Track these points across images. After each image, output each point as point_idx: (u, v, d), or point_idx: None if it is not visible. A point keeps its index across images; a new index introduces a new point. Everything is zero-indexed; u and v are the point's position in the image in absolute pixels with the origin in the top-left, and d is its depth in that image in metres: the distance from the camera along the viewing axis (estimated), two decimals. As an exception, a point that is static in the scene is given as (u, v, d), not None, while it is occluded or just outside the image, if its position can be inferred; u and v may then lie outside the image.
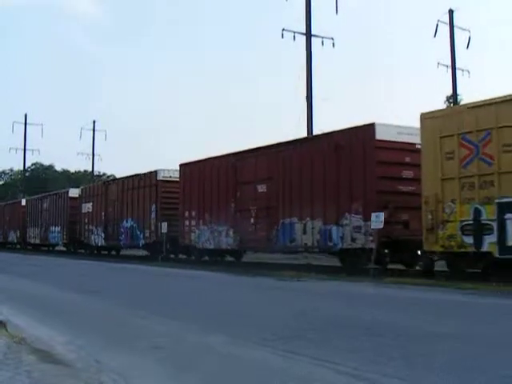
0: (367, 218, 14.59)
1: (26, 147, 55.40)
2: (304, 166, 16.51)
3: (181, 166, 22.01)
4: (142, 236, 23.72)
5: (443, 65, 30.83)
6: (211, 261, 20.47)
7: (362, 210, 14.80)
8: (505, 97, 12.24)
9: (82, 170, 77.36)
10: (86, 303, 9.76)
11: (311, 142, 16.57)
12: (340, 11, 27.67)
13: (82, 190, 29.26)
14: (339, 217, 15.37)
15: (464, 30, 31.07)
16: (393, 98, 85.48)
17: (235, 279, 14.99)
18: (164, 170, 23.01)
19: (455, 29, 30.50)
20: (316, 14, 27.16)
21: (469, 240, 12.54)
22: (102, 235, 26.66)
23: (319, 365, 4.84)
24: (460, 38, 31.08)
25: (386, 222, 14.50)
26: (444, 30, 30.70)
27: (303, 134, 24.54)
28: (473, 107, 12.67)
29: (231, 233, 19.07)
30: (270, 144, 18.22)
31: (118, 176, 41.81)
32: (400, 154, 14.56)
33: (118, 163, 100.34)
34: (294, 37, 26.62)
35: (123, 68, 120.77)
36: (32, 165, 78.02)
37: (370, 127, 14.76)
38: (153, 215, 22.91)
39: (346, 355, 5.20)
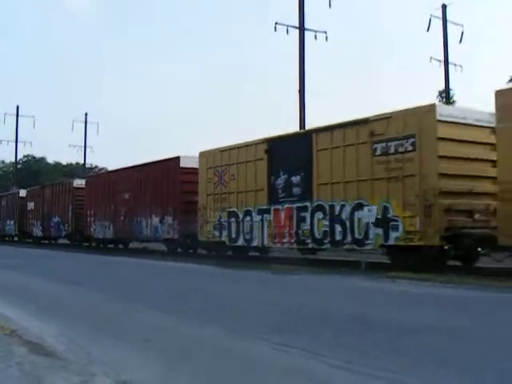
0: (175, 218, 22.15)
1: (18, 139, 55.51)
2: (148, 181, 24.05)
3: (87, 177, 29.70)
4: (63, 229, 31.39)
5: (436, 59, 30.96)
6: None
7: (172, 213, 22.32)
8: (235, 145, 19.65)
9: (74, 162, 77.52)
10: (75, 295, 9.99)
11: (152, 165, 24.06)
12: (333, 5, 27.99)
13: (27, 191, 37.00)
14: (162, 217, 22.90)
15: (457, 24, 31.26)
16: (386, 91, 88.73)
17: (218, 271, 15.49)
18: (77, 180, 30.62)
19: (448, 24, 30.73)
20: (309, 8, 27.27)
21: (217, 234, 20.03)
22: (40, 228, 34.36)
23: (312, 358, 4.91)
24: (453, 33, 31.15)
25: (189, 222, 21.95)
26: (437, 24, 30.86)
27: (296, 127, 25.34)
28: (220, 151, 20.11)
29: (111, 227, 26.68)
30: (134, 165, 25.75)
31: (109, 168, 43.71)
32: (196, 176, 21.93)
33: (112, 156, 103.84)
34: (287, 30, 26.81)
35: (120, 63, 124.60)
36: (24, 157, 79.29)
37: (177, 159, 22.27)
38: (70, 213, 30.53)
39: (338, 349, 5.26)
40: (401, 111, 14.38)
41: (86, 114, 52.87)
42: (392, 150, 14.28)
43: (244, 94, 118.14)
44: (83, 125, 52.62)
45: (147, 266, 18.41)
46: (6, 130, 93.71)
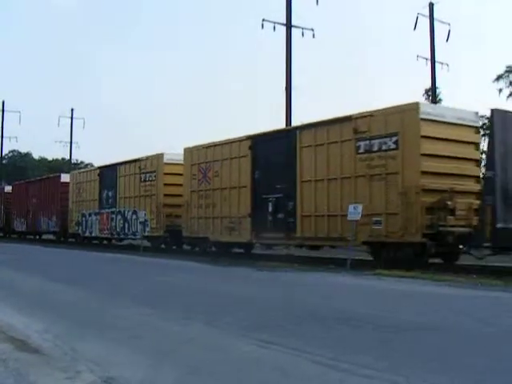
0: (57, 217, 31.85)
1: (4, 134, 55.08)
2: (45, 191, 33.70)
3: (12, 185, 39.51)
4: (-2, 224, 41.27)
5: (423, 58, 30.78)
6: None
7: (55, 214, 32.00)
8: (84, 170, 29.24)
9: (59, 157, 78.49)
10: (62, 290, 10.19)
11: (47, 180, 33.80)
12: (320, 3, 27.97)
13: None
14: (51, 216, 32.61)
15: (444, 23, 31.21)
16: (373, 89, 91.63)
17: (202, 267, 15.83)
18: (7, 186, 40.31)
19: (435, 22, 30.63)
20: (296, 5, 27.33)
21: (77, 228, 29.70)
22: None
23: (298, 355, 4.96)
24: (440, 32, 31.04)
25: (65, 219, 31.60)
26: (424, 23, 30.65)
27: (282, 124, 25.43)
28: (79, 173, 29.70)
29: (25, 222, 36.42)
30: (39, 178, 35.44)
31: (95, 164, 45.69)
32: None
33: (98, 152, 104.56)
34: (274, 27, 26.85)
35: (107, 58, 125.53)
36: (9, 152, 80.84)
37: (59, 176, 31.98)
38: (2, 212, 40.25)
39: (324, 346, 5.30)
40: (151, 156, 23.95)
41: (72, 110, 53.30)
42: (148, 178, 23.91)
43: (232, 89, 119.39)
44: (69, 120, 52.72)
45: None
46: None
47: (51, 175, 33.55)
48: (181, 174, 22.63)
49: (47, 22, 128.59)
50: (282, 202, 17.56)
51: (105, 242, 29.36)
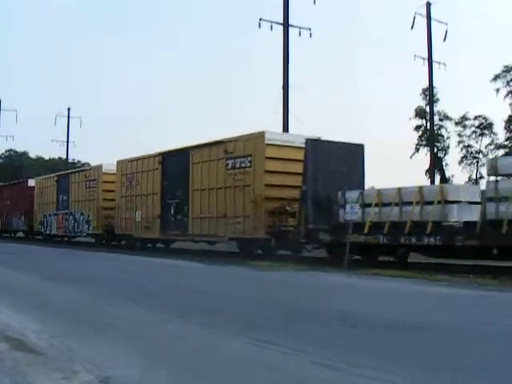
0: (25, 217, 36.48)
1: (0, 133, 54.05)
2: (16, 194, 38.31)
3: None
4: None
5: (420, 57, 30.84)
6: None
7: (24, 215, 36.60)
8: (45, 176, 33.82)
9: (56, 157, 76.43)
10: (59, 290, 10.18)
11: (17, 184, 38.41)
12: (318, 2, 27.99)
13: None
14: (20, 216, 37.22)
15: (441, 22, 31.28)
16: (371, 88, 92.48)
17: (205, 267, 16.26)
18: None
19: (432, 21, 30.67)
20: (294, 4, 27.55)
21: (40, 227, 34.27)
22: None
23: (292, 354, 5.03)
24: (437, 31, 31.07)
25: (32, 219, 36.27)
26: (422, 22, 30.65)
27: (279, 123, 25.87)
28: (42, 179, 34.32)
29: (0, 222, 41.09)
30: (11, 183, 40.06)
31: (91, 163, 44.05)
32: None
33: (95, 151, 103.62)
34: (272, 27, 26.97)
35: (104, 56, 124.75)
36: (6, 151, 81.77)
37: (26, 181, 36.60)
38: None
39: (318, 346, 5.37)
40: (94, 166, 28.51)
41: (69, 109, 53.22)
42: (91, 185, 28.51)
43: (232, 90, 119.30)
44: (66, 119, 52.63)
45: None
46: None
47: (20, 180, 38.22)
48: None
49: (46, 21, 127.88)
50: (180, 206, 22.11)
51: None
